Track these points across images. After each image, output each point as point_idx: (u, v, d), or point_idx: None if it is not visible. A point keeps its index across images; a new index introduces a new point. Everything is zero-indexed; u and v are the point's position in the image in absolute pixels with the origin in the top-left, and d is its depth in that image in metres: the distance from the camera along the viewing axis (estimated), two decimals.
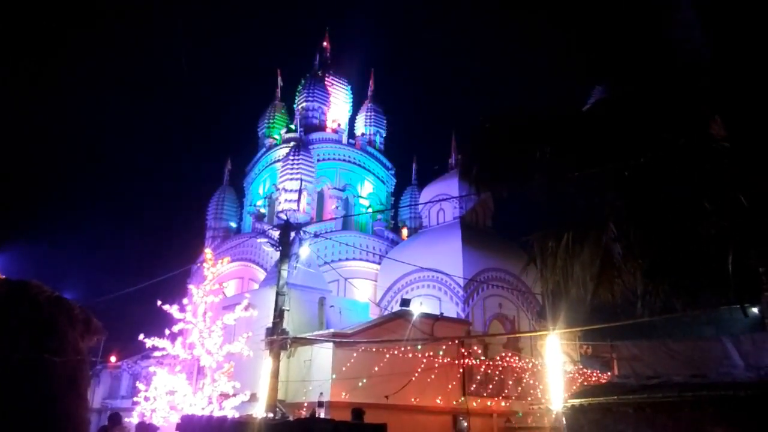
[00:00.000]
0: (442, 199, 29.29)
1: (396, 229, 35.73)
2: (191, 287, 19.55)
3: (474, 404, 20.99)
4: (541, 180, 8.00)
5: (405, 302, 22.18)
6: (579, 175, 7.63)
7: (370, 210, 34.80)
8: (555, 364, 14.52)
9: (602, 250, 8.23)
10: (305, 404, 18.45)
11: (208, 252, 20.60)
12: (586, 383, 21.49)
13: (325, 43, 39.37)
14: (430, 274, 26.88)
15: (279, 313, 16.81)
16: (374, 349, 18.98)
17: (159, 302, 18.39)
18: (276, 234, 17.92)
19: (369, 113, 38.60)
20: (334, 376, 18.45)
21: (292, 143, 33.19)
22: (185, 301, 19.19)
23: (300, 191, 29.82)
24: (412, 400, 19.36)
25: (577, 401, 9.95)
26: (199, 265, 28.90)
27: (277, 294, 16.81)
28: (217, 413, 16.85)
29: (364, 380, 18.40)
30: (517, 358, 22.52)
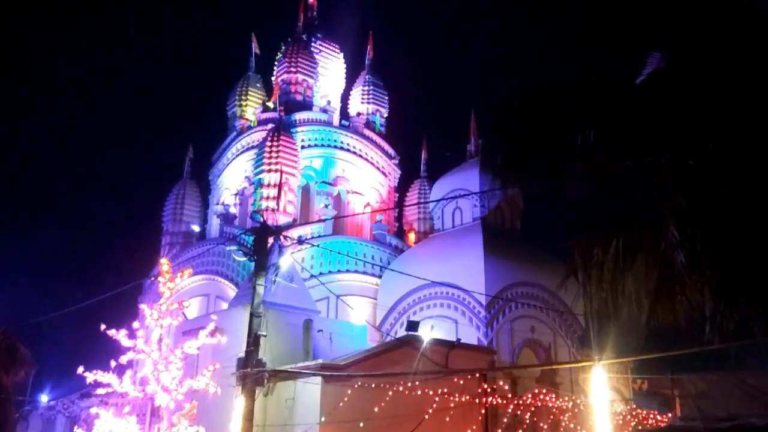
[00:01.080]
0: (459, 195, 29.23)
1: (401, 234, 35.63)
2: (143, 307, 19.52)
3: None
4: (583, 171, 7.98)
5: (412, 325, 22.15)
6: (630, 165, 7.61)
7: (368, 209, 34.77)
8: (601, 403, 14.49)
9: (661, 259, 8.22)
10: None
11: (164, 263, 20.57)
12: (640, 427, 21.46)
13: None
14: (444, 290, 26.81)
15: (254, 340, 16.80)
16: (374, 385, 18.95)
17: (103, 327, 18.32)
18: (250, 240, 17.91)
19: (367, 87, 38.60)
20: (323, 419, 18.42)
21: (269, 125, 33.19)
22: (136, 324, 19.12)
23: (280, 186, 29.81)
24: None
25: None
26: (153, 279, 28.84)
27: (251, 315, 16.80)
28: None
29: (362, 424, 18.37)
30: (553, 395, 22.47)
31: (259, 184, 30.72)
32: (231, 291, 29.43)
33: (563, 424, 22.20)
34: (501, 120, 9.33)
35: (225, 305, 27.76)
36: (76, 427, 21.36)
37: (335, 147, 34.93)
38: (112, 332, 18.29)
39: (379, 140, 36.94)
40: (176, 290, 19.91)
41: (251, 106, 37.13)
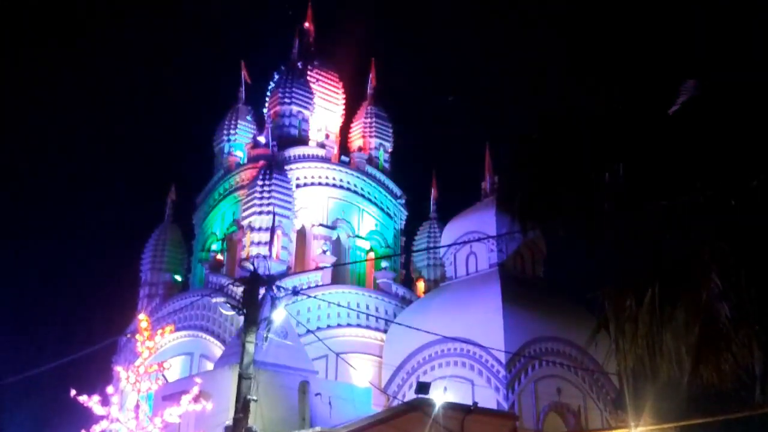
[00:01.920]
0: (474, 239, 29.23)
1: (408, 282, 35.48)
2: (119, 369, 19.41)
3: None
4: (612, 212, 7.99)
5: (423, 387, 21.92)
6: (665, 204, 7.62)
7: (371, 256, 34.73)
8: None
9: (702, 311, 8.17)
10: None
11: (142, 318, 20.52)
12: None
13: (306, 24, 40.05)
14: (459, 347, 26.61)
15: (243, 405, 16.61)
16: None
17: (73, 392, 18.20)
18: (239, 291, 17.85)
19: (369, 119, 38.96)
20: None
21: (261, 162, 33.43)
22: (110, 389, 18.96)
23: (273, 230, 29.88)
24: None
25: None
26: (129, 336, 28.74)
27: (240, 377, 16.66)
28: None
29: None
30: None
31: (250, 228, 30.78)
32: (217, 349, 29.26)
33: None
34: (519, 154, 9.41)
35: (211, 365, 27.57)
36: None
37: (334, 186, 35.08)
38: (83, 398, 18.16)
39: (383, 178, 37.13)
40: (156, 349, 19.79)
41: (241, 141, 37.42)
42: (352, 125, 39.45)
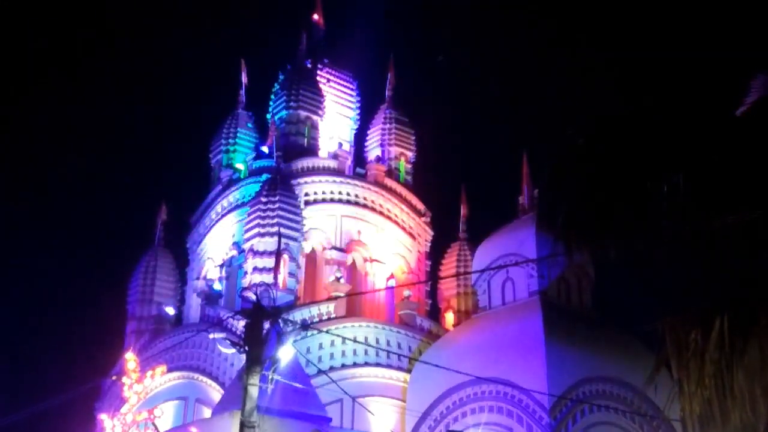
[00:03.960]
0: (511, 263, 29.15)
1: (435, 314, 35.43)
2: (102, 417, 19.51)
3: None
4: (672, 230, 7.96)
5: None
6: (734, 220, 7.58)
7: (392, 282, 34.70)
8: None
9: None
10: None
11: (129, 358, 20.65)
12: None
13: (315, 16, 40.33)
14: (494, 389, 26.52)
15: None
16: None
17: None
18: (240, 325, 17.92)
19: (388, 125, 39.06)
20: None
21: (264, 176, 33.62)
22: None
23: (278, 254, 29.97)
24: None
25: None
26: (114, 379, 28.88)
27: (242, 425, 16.68)
28: None
29: None
30: None
31: (252, 252, 30.88)
32: (216, 393, 29.30)
33: None
34: (562, 164, 9.39)
35: (208, 412, 27.58)
36: None
37: (348, 203, 35.19)
38: None
39: (404, 192, 37.17)
40: (145, 393, 19.89)
41: (241, 152, 37.63)
42: (368, 132, 39.57)
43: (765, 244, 8.10)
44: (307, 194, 33.99)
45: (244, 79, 39.41)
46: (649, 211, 8.27)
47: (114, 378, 29.06)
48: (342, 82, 38.61)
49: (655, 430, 26.84)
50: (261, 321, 17.61)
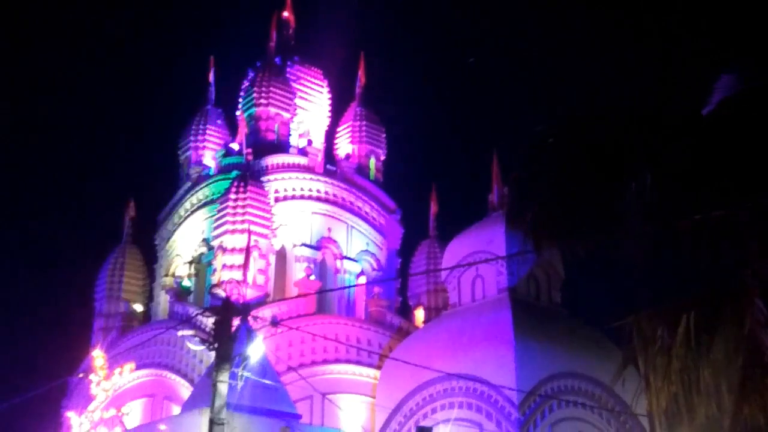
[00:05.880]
0: (481, 260, 29.26)
1: (405, 311, 35.49)
2: (70, 415, 19.37)
3: None
4: (639, 228, 8.02)
5: None
6: (699, 219, 7.66)
7: (362, 279, 34.72)
8: None
9: (746, 341, 8.20)
10: None
11: (97, 355, 20.51)
12: None
13: (285, 13, 40.23)
14: (464, 385, 26.58)
15: None
16: None
17: None
18: (209, 322, 17.83)
19: (358, 123, 39.13)
20: None
21: (234, 173, 33.50)
22: None
23: (247, 251, 29.88)
24: None
25: None
26: (81, 377, 28.64)
27: (212, 423, 16.62)
28: None
29: None
30: None
31: (221, 249, 30.77)
32: (185, 390, 29.14)
33: None
34: (532, 162, 9.44)
35: (177, 409, 27.42)
36: None
37: (318, 200, 35.16)
38: None
39: (374, 190, 37.24)
40: (113, 391, 19.75)
41: (210, 149, 37.50)
42: (338, 130, 39.64)
43: (730, 242, 8.21)
44: (277, 191, 33.94)
45: (213, 76, 39.33)
46: (617, 209, 8.33)
47: (81, 375, 28.83)
48: (312, 79, 38.60)
49: (622, 425, 27.05)
50: (230, 318, 17.57)
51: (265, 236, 31.18)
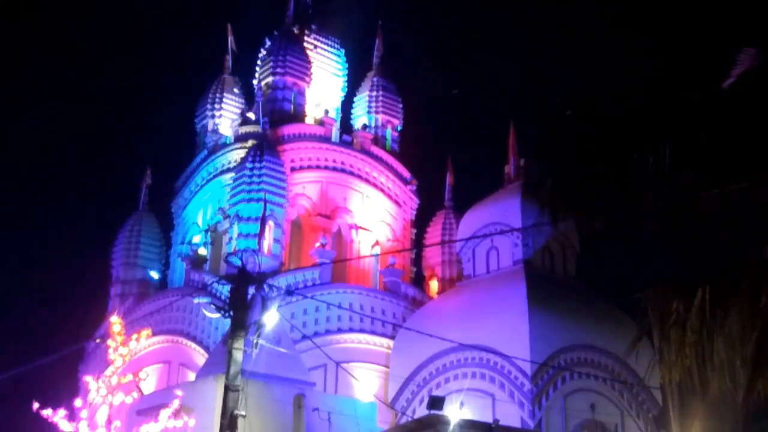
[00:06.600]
0: (496, 232, 29.23)
1: (420, 282, 35.55)
2: (87, 379, 19.49)
3: None
4: (657, 201, 7.98)
5: (436, 402, 21.97)
6: (719, 193, 7.61)
7: (377, 250, 34.77)
8: None
9: (761, 316, 8.16)
10: None
11: (114, 321, 20.63)
12: None
13: None
14: (477, 356, 26.70)
15: (230, 421, 16.70)
16: None
17: (36, 405, 18.30)
18: (225, 290, 17.93)
19: (375, 93, 38.92)
20: None
21: (250, 142, 33.49)
22: (78, 402, 19.12)
23: (263, 220, 29.93)
24: None
25: None
26: (98, 342, 28.89)
27: (227, 389, 16.73)
28: None
29: None
30: None
31: (237, 218, 30.86)
32: (200, 357, 29.38)
33: None
34: (549, 134, 9.39)
35: (192, 375, 27.69)
36: None
37: (334, 169, 35.14)
38: (47, 412, 18.25)
39: (390, 160, 37.13)
40: (130, 356, 19.88)
41: (227, 118, 37.42)
42: (355, 100, 39.44)
43: (748, 215, 8.16)
44: (293, 160, 33.91)
45: (230, 44, 39.14)
46: (635, 182, 8.28)
47: (98, 341, 29.08)
48: (329, 48, 38.39)
49: (634, 397, 27.11)
50: (246, 286, 17.62)
51: (280, 205, 31.21)
